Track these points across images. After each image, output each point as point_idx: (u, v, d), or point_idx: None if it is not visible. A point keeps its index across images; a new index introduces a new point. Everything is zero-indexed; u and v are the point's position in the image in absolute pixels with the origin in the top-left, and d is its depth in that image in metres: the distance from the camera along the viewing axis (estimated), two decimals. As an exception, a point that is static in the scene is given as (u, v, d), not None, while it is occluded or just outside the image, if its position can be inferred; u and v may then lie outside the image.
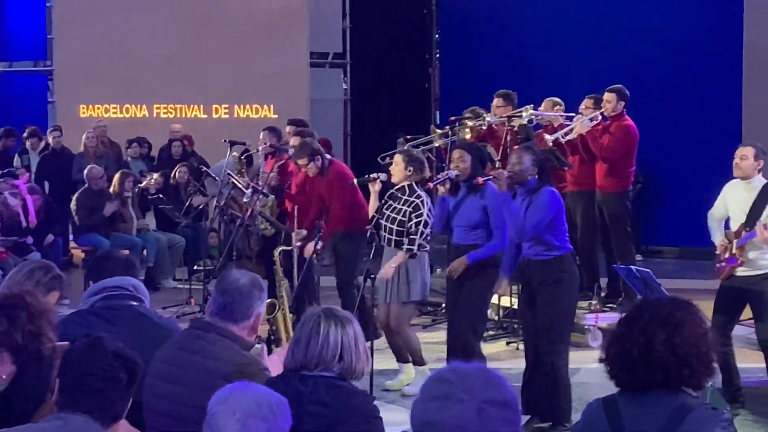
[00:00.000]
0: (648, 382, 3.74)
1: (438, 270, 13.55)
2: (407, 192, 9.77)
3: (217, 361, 4.88)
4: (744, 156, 9.13)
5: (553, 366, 8.56)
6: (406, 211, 9.67)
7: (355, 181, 10.31)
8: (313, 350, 4.55)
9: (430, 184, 9.79)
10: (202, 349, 4.94)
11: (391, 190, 9.97)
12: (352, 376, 4.64)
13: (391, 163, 10.49)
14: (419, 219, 9.56)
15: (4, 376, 4.20)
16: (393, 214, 9.74)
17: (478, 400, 2.93)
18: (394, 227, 9.70)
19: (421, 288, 9.82)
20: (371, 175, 10.02)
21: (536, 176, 8.56)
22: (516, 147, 11.35)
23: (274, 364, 5.09)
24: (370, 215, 10.14)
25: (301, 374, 4.59)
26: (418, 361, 9.97)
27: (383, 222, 9.82)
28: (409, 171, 9.76)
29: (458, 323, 9.32)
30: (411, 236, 9.62)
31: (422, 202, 9.63)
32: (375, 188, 10.11)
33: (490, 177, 8.67)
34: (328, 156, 11.43)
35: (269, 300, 10.40)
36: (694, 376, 3.75)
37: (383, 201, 9.95)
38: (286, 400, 3.81)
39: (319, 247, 10.31)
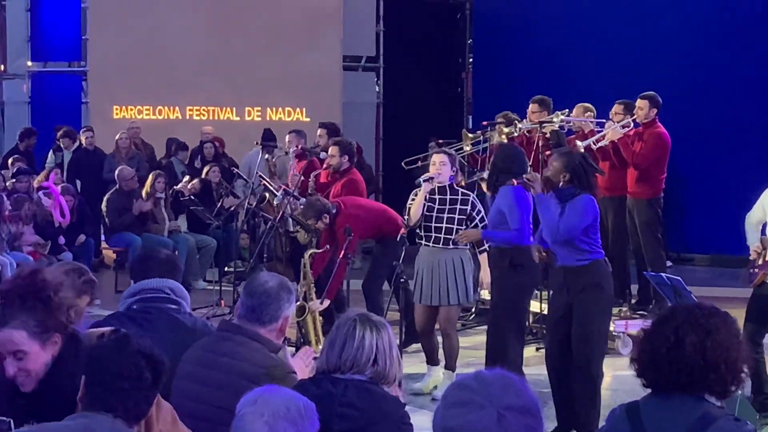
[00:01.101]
0: (673, 383, 3.73)
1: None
2: (449, 191, 9.80)
3: (245, 363, 4.90)
4: None
5: (590, 373, 8.51)
6: (463, 209, 9.69)
7: (421, 180, 10.09)
8: (348, 353, 4.56)
9: (461, 179, 9.81)
10: (231, 351, 4.97)
11: (425, 192, 9.89)
12: (384, 381, 4.64)
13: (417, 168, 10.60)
14: (481, 215, 9.60)
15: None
16: (446, 215, 9.72)
17: (498, 407, 2.94)
18: (453, 226, 9.67)
19: (467, 290, 9.85)
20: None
21: (567, 181, 8.49)
22: (548, 153, 11.40)
23: (298, 366, 5.11)
24: (416, 218, 9.90)
25: (332, 376, 4.60)
26: (452, 366, 9.96)
27: (433, 224, 9.78)
28: (454, 171, 9.83)
29: (493, 329, 9.34)
30: None
31: (475, 198, 9.68)
32: (425, 189, 9.98)
33: (524, 180, 8.67)
34: (334, 208, 11.31)
35: (299, 303, 10.46)
36: (719, 383, 3.74)
37: (424, 204, 9.90)
38: (314, 405, 3.83)
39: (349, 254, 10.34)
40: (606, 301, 8.61)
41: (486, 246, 9.71)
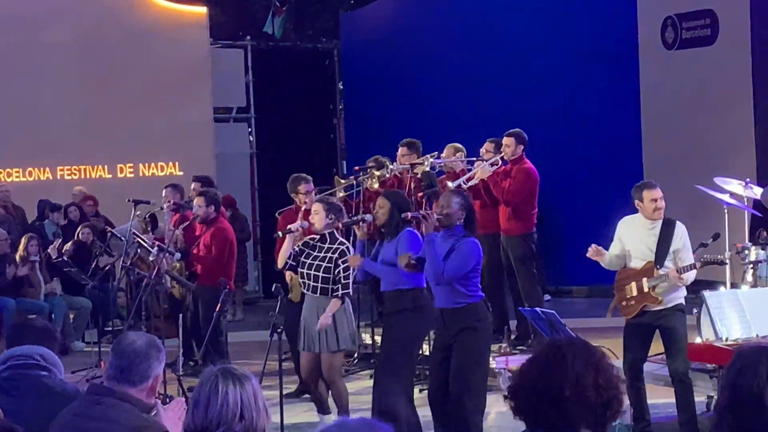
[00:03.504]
0: (571, 424, 3.66)
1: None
2: (328, 239, 9.84)
3: (116, 425, 4.83)
4: (662, 197, 9.26)
5: (467, 411, 8.60)
6: (331, 258, 9.73)
7: (341, 224, 10.19)
8: (213, 411, 4.51)
9: (339, 224, 9.84)
10: (101, 415, 4.89)
11: (307, 239, 10.00)
12: (254, 434, 4.61)
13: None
14: (347, 264, 9.61)
15: None
16: (317, 262, 9.77)
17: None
18: (320, 274, 9.74)
19: (350, 336, 9.86)
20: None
21: (463, 222, 8.69)
22: (420, 194, 11.56)
23: (170, 418, 5.06)
24: (281, 263, 10.16)
25: (204, 435, 4.55)
26: (345, 412, 9.94)
27: (303, 270, 9.83)
28: (331, 219, 9.84)
29: (381, 372, 9.37)
30: (344, 281, 9.70)
31: (347, 248, 9.73)
32: (295, 236, 10.13)
33: (420, 215, 8.83)
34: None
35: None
36: (610, 419, 3.73)
37: (299, 250, 9.95)
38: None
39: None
40: (482, 342, 8.77)
41: (340, 292, 9.73)
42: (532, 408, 3.72)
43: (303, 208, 11.48)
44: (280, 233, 10.21)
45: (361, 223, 9.58)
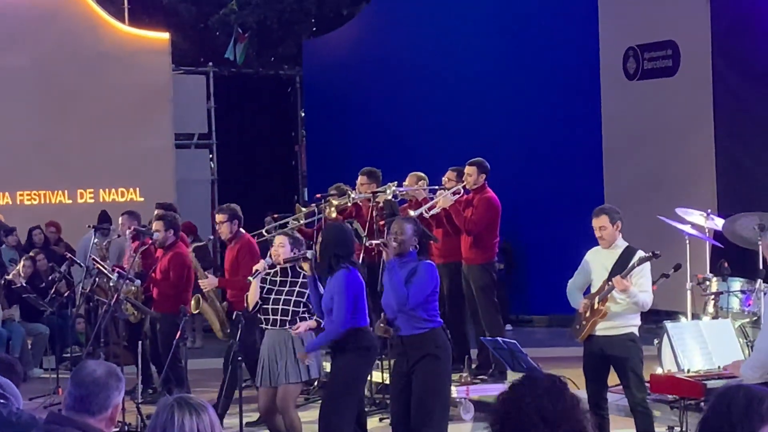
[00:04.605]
0: None
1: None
2: (290, 273, 9.79)
3: (74, 455, 4.77)
4: (603, 227, 9.29)
5: None
6: (302, 292, 9.65)
7: (283, 262, 10.07)
8: (170, 442, 4.46)
9: (281, 263, 9.72)
10: (59, 445, 4.83)
11: (264, 275, 9.85)
12: (213, 464, 4.55)
13: None
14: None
15: None
16: (285, 296, 9.69)
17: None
18: (290, 308, 9.66)
19: (318, 365, 9.82)
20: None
21: (417, 247, 8.67)
22: (382, 222, 11.54)
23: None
24: (252, 304, 9.93)
25: (161, 466, 4.48)
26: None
27: (268, 306, 9.73)
28: (295, 252, 9.79)
29: (325, 408, 9.26)
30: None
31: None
32: (260, 276, 9.96)
33: (382, 242, 8.83)
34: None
35: (195, 295, 11.07)
36: None
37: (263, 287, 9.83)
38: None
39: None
40: (442, 370, 8.76)
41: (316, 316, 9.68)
42: None
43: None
44: (250, 279, 9.99)
45: (302, 260, 9.46)
